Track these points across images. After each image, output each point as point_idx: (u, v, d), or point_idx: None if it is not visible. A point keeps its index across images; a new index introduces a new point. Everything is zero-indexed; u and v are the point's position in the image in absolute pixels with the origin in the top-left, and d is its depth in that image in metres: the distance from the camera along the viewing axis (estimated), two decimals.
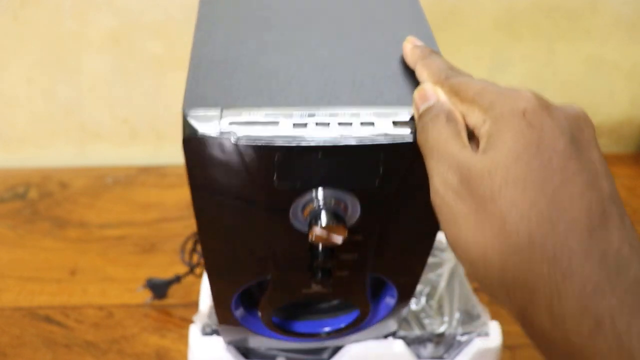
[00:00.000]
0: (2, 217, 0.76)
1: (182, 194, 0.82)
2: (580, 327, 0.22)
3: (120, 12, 0.86)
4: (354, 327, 0.44)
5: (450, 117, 0.26)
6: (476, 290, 0.54)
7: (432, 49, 0.31)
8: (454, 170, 0.25)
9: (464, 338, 0.48)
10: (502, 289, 0.24)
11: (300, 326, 0.44)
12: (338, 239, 0.30)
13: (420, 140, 0.27)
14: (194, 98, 0.28)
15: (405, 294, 0.41)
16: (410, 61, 0.31)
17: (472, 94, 0.26)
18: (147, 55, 0.88)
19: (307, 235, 0.30)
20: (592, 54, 0.93)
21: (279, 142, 0.27)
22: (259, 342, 0.46)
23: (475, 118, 0.26)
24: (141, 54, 0.88)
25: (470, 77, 0.28)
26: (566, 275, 0.22)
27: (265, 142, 0.27)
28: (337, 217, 0.29)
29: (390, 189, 0.30)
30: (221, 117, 0.27)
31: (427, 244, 0.36)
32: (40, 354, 0.53)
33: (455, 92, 0.27)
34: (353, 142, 0.27)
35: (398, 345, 0.47)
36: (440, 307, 0.50)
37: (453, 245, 0.26)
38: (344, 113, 0.28)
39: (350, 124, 0.27)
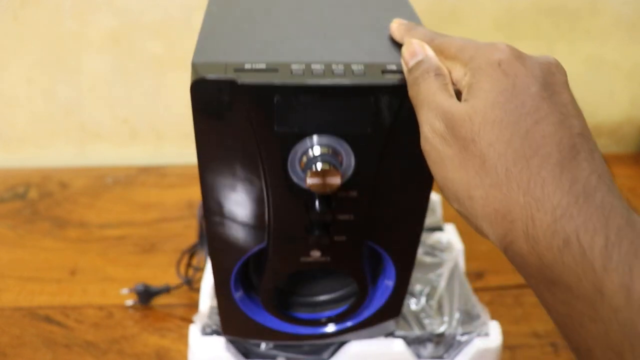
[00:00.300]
0: (2, 217, 0.76)
1: (182, 194, 0.82)
2: (551, 246, 0.24)
3: (120, 12, 0.86)
4: (354, 312, 0.43)
5: (438, 72, 0.30)
6: (476, 290, 0.54)
7: (416, 23, 0.35)
8: (440, 117, 0.28)
9: (463, 338, 0.48)
10: (485, 221, 0.27)
11: (300, 314, 0.45)
12: (333, 180, 0.31)
13: (412, 93, 0.30)
14: (203, 52, 0.31)
15: (403, 274, 0.42)
16: (397, 36, 0.34)
17: (454, 50, 0.30)
18: (147, 55, 0.88)
19: (304, 192, 0.33)
20: (592, 54, 0.93)
21: (279, 83, 0.30)
22: (259, 334, 0.46)
23: (458, 72, 0.29)
24: (141, 54, 0.88)
25: (452, 36, 0.31)
26: (539, 203, 0.25)
27: (266, 82, 0.29)
28: (331, 163, 0.31)
29: (381, 136, 0.32)
30: (226, 66, 0.30)
31: (419, 208, 0.38)
32: (40, 354, 0.53)
33: (440, 51, 0.30)
34: (346, 83, 0.30)
35: (398, 345, 0.47)
36: (440, 307, 0.50)
37: (442, 185, 0.29)
38: (338, 63, 0.31)
39: (343, 72, 0.30)
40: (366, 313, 0.45)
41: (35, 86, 0.89)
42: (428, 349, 0.48)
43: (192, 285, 0.61)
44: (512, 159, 0.26)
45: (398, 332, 0.48)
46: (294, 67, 0.30)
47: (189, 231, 0.72)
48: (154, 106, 0.91)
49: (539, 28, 0.90)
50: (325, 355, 0.48)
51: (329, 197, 0.34)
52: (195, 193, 0.81)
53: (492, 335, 0.48)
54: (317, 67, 0.30)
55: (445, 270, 0.54)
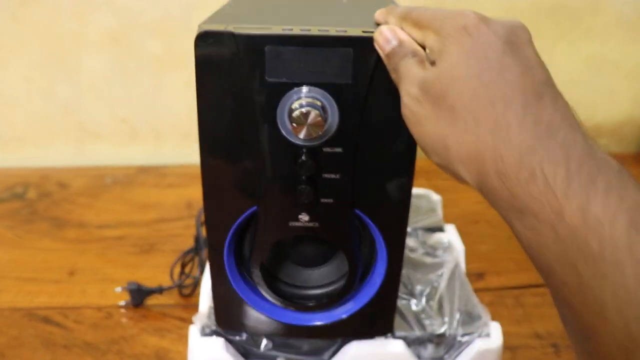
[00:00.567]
0: (1, 218, 0.76)
1: (182, 194, 0.82)
2: (519, 179, 0.27)
3: (120, 12, 0.85)
4: (345, 294, 0.43)
5: (415, 53, 0.33)
6: (477, 291, 0.53)
7: (394, 5, 0.37)
8: (415, 84, 0.32)
9: (464, 339, 0.48)
10: (460, 165, 0.30)
11: (288, 291, 0.45)
12: (315, 121, 0.35)
13: (393, 76, 0.34)
14: (208, 21, 0.36)
15: (394, 254, 0.42)
16: (381, 20, 0.37)
17: (426, 20, 0.33)
18: (146, 55, 0.88)
19: (292, 146, 0.37)
20: (593, 54, 0.93)
21: (270, 33, 0.34)
22: (252, 325, 0.46)
23: (431, 40, 0.32)
24: (141, 53, 0.88)
25: (427, 7, 0.34)
26: (506, 141, 0.28)
27: (259, 33, 0.34)
28: (315, 108, 0.35)
29: (362, 87, 0.35)
30: (227, 25, 0.35)
31: (404, 173, 0.39)
32: (38, 354, 0.53)
33: (415, 23, 0.34)
34: (329, 34, 0.34)
35: (398, 346, 0.47)
36: (440, 308, 0.50)
37: (421, 143, 0.33)
38: (324, 26, 0.35)
39: (327, 30, 0.35)
40: (358, 303, 0.45)
41: (34, 86, 0.89)
42: (428, 350, 0.48)
43: (181, 291, 0.61)
44: (478, 106, 0.29)
45: (398, 333, 0.48)
46: (286, 26, 0.35)
47: (188, 232, 0.72)
48: (154, 106, 0.91)
49: (540, 28, 0.90)
50: (325, 356, 0.48)
51: (315, 150, 0.37)
52: (194, 193, 0.81)
53: (493, 336, 0.48)
54: (306, 27, 0.35)
55: (445, 271, 0.54)
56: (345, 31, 0.35)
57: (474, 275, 0.65)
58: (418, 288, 0.52)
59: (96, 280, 0.63)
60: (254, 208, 0.40)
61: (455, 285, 0.53)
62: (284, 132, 0.37)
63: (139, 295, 0.59)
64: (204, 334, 0.48)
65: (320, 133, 0.36)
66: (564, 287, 0.27)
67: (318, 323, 0.45)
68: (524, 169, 0.27)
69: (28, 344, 0.54)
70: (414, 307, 0.50)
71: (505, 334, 0.49)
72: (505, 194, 0.28)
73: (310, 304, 0.44)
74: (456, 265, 0.56)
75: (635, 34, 0.92)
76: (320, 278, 0.45)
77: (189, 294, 0.61)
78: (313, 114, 0.35)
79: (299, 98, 0.36)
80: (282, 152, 0.37)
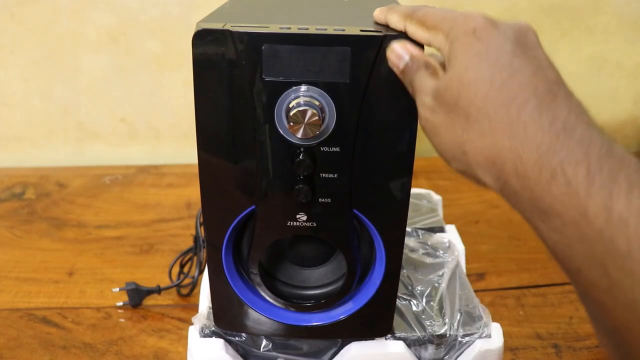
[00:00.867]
0: (0, 218, 0.75)
1: (181, 194, 0.82)
2: (540, 180, 0.27)
3: (119, 10, 0.85)
4: (346, 292, 0.43)
5: (427, 65, 0.33)
6: (477, 292, 0.53)
7: (395, 4, 0.37)
8: (429, 95, 0.32)
9: (465, 339, 0.48)
10: (480, 169, 0.30)
11: (286, 290, 0.45)
12: (313, 120, 0.35)
13: (410, 91, 0.34)
14: (205, 21, 0.36)
15: (393, 255, 0.42)
16: (381, 18, 0.36)
17: (434, 21, 0.33)
18: (145, 54, 0.88)
19: (290, 146, 0.37)
20: (595, 53, 0.93)
21: (267, 31, 0.34)
22: (250, 324, 0.46)
23: (440, 41, 0.32)
24: (140, 53, 0.87)
25: (433, 7, 0.34)
26: (523, 142, 0.28)
27: (256, 31, 0.34)
28: (312, 107, 0.35)
29: (360, 87, 0.35)
30: (225, 24, 0.35)
31: (402, 173, 0.39)
32: (37, 355, 0.53)
33: (421, 22, 0.33)
34: (326, 32, 0.34)
35: (398, 347, 0.47)
36: (441, 309, 0.50)
37: (440, 151, 0.33)
38: (322, 25, 0.35)
39: (325, 28, 0.35)
40: (358, 303, 0.44)
41: (32, 85, 0.88)
42: (429, 351, 0.48)
43: (180, 291, 0.61)
44: (492, 109, 0.29)
45: (398, 334, 0.47)
46: (283, 25, 0.35)
47: (187, 232, 0.72)
48: (153, 105, 0.91)
49: (541, 27, 0.90)
50: (325, 357, 0.48)
51: (313, 150, 0.37)
52: (194, 193, 0.81)
53: (494, 336, 0.48)
54: (302, 25, 0.35)
55: (446, 271, 0.54)
56: (343, 30, 0.35)
57: (475, 276, 0.65)
58: (418, 288, 0.52)
59: (95, 281, 0.63)
60: (252, 207, 0.40)
61: (455, 286, 0.53)
62: (281, 131, 0.37)
63: (137, 295, 0.59)
64: (203, 334, 0.47)
65: (317, 132, 0.36)
66: (593, 287, 0.27)
67: (317, 323, 0.45)
68: (544, 169, 0.27)
69: (26, 344, 0.54)
70: (414, 308, 0.50)
71: (506, 334, 0.49)
72: (527, 196, 0.28)
73: (309, 304, 0.44)
74: (457, 266, 0.55)
75: (636, 34, 0.92)
76: (318, 278, 0.45)
77: (187, 294, 0.61)
78: (310, 112, 0.35)
79: (297, 97, 0.35)
80: (280, 151, 0.37)
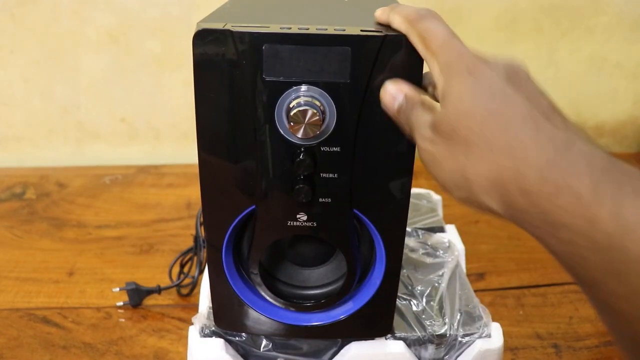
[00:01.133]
0: (0, 218, 0.75)
1: (181, 194, 0.82)
2: (545, 195, 0.27)
3: (119, 10, 0.85)
4: (346, 292, 0.43)
5: (422, 102, 0.34)
6: (477, 292, 0.53)
7: (397, 3, 0.37)
8: (427, 128, 0.33)
9: (465, 339, 0.48)
10: (484, 194, 0.30)
11: (287, 291, 0.45)
12: (313, 120, 0.35)
13: (406, 130, 0.35)
14: (206, 20, 0.36)
15: (393, 255, 0.42)
16: (382, 19, 0.36)
17: (435, 46, 0.33)
18: (145, 54, 0.88)
19: (291, 146, 0.37)
20: (595, 53, 0.93)
21: (267, 31, 0.34)
22: (250, 324, 0.46)
23: (435, 72, 0.33)
24: (140, 53, 0.87)
25: (437, 20, 0.34)
26: (524, 160, 0.28)
27: (256, 31, 0.34)
28: (312, 107, 0.35)
29: (360, 87, 0.35)
30: (225, 23, 0.35)
31: (403, 173, 0.39)
32: (37, 355, 0.53)
33: (422, 39, 0.33)
34: (327, 32, 0.34)
35: (398, 347, 0.47)
36: (441, 309, 0.50)
37: (442, 181, 0.33)
38: (322, 25, 0.35)
39: (326, 28, 0.35)
40: (358, 303, 0.44)
41: (32, 85, 0.88)
42: (429, 351, 0.48)
43: (180, 291, 0.61)
44: (489, 133, 0.29)
45: (398, 334, 0.47)
46: (284, 25, 0.35)
47: (187, 232, 0.72)
48: (153, 105, 0.91)
49: (541, 27, 0.90)
50: (325, 357, 0.48)
51: (313, 150, 0.37)
52: (194, 193, 0.81)
53: (494, 336, 0.48)
54: (303, 24, 0.35)
55: (446, 271, 0.54)
56: (344, 30, 0.35)
57: (475, 276, 0.65)
58: (418, 288, 0.52)
59: (95, 281, 0.63)
60: (252, 207, 0.40)
61: (455, 286, 0.53)
62: (281, 131, 0.37)
63: (137, 295, 0.59)
64: (203, 334, 0.47)
65: (317, 132, 0.36)
66: (611, 296, 0.26)
67: (317, 323, 0.45)
68: (548, 183, 0.27)
69: (27, 344, 0.54)
70: (414, 308, 0.50)
71: (506, 334, 0.49)
72: (534, 212, 0.28)
73: (309, 304, 0.44)
74: (457, 266, 0.55)
75: (636, 34, 0.92)
76: (318, 278, 0.45)
77: (187, 294, 0.61)
78: (310, 112, 0.35)
79: (297, 97, 0.35)
80: (280, 151, 0.37)
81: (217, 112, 0.37)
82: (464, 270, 0.57)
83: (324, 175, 0.38)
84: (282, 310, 0.45)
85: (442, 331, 0.48)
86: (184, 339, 0.54)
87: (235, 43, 0.34)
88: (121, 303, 0.59)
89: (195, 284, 0.61)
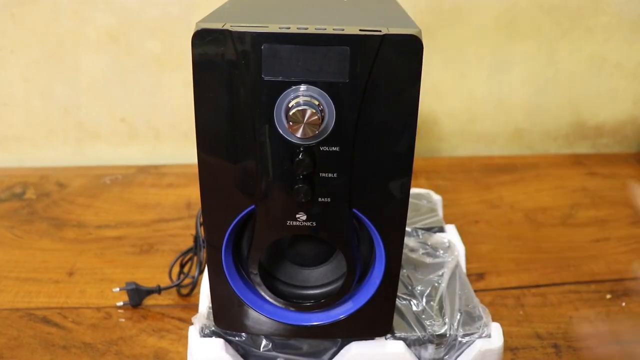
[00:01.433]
0: (0, 218, 0.75)
1: (181, 194, 0.82)
2: None
3: (119, 10, 0.85)
4: (346, 292, 0.43)
5: None
6: (477, 292, 0.53)
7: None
8: None
9: (465, 339, 0.48)
10: None
11: (286, 290, 0.45)
12: (312, 119, 0.35)
13: None
14: (205, 20, 0.36)
15: (393, 254, 0.42)
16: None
17: None
18: (145, 54, 0.88)
19: (290, 145, 0.37)
20: (595, 53, 0.93)
21: (266, 31, 0.34)
22: (250, 324, 0.46)
23: None
24: (140, 53, 0.88)
25: None
26: None
27: (255, 30, 0.34)
28: (311, 106, 0.35)
29: (359, 86, 0.35)
30: (224, 23, 0.35)
31: (402, 172, 0.39)
32: (37, 355, 0.53)
33: None
34: (326, 32, 0.34)
35: (398, 347, 0.47)
36: (441, 309, 0.50)
37: None
38: (322, 25, 0.35)
39: (325, 28, 0.35)
40: (357, 303, 0.44)
41: (32, 85, 0.89)
42: (429, 351, 0.48)
43: (180, 291, 0.61)
44: None
45: (398, 334, 0.47)
46: (282, 24, 0.35)
47: (187, 232, 0.72)
48: (153, 106, 0.91)
49: (541, 26, 0.90)
50: (325, 357, 0.48)
51: (312, 149, 0.37)
52: (194, 193, 0.81)
53: (494, 336, 0.48)
54: (302, 24, 0.35)
55: (446, 271, 0.54)
56: (343, 30, 0.35)
57: (475, 276, 0.65)
58: (418, 288, 0.52)
59: (95, 281, 0.63)
60: (252, 207, 0.40)
61: (455, 286, 0.53)
62: (281, 131, 0.37)
63: (137, 295, 0.59)
64: (203, 334, 0.47)
65: (317, 132, 0.36)
66: None
67: (317, 323, 0.45)
68: None
69: (27, 344, 0.54)
70: (414, 308, 0.50)
71: (506, 334, 0.49)
72: None
73: (309, 304, 0.44)
74: (457, 266, 0.55)
75: (636, 34, 0.92)
76: (318, 278, 0.45)
77: (187, 294, 0.61)
78: (309, 112, 0.35)
79: (296, 96, 0.35)
80: (279, 150, 0.38)
81: (217, 112, 0.37)
82: (464, 270, 0.57)
83: (323, 174, 0.38)
84: (282, 310, 0.45)
85: (442, 331, 0.48)
86: (184, 339, 0.54)
87: (234, 43, 0.35)
88: (121, 303, 0.59)
89: (195, 284, 0.61)
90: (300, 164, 0.37)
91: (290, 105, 0.35)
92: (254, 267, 0.42)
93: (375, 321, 0.46)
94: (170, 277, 0.61)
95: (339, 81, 0.35)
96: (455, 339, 0.48)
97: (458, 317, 0.49)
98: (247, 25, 0.35)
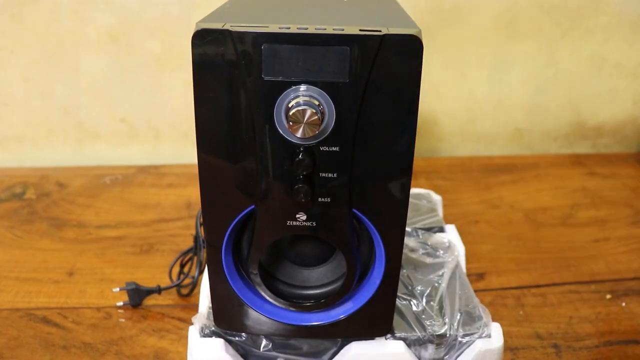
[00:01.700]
0: (0, 218, 0.75)
1: (181, 194, 0.82)
2: None
3: (119, 11, 0.85)
4: (346, 292, 0.43)
5: None
6: (477, 292, 0.53)
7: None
8: None
9: (465, 339, 0.48)
10: None
11: (286, 290, 0.45)
12: (312, 119, 0.35)
13: None
14: (205, 20, 0.36)
15: (393, 254, 0.42)
16: None
17: None
18: (145, 54, 0.88)
19: (290, 145, 0.37)
20: (595, 53, 0.93)
21: (266, 31, 0.34)
22: (250, 324, 0.46)
23: None
24: (140, 53, 0.88)
25: None
26: None
27: (255, 31, 0.34)
28: (311, 106, 0.35)
29: (359, 86, 0.35)
30: (224, 24, 0.35)
31: (402, 171, 0.39)
32: (37, 355, 0.53)
33: None
34: (326, 32, 0.34)
35: (398, 347, 0.47)
36: (441, 309, 0.50)
37: None
38: (322, 25, 0.35)
39: (325, 28, 0.35)
40: (357, 303, 0.44)
41: (32, 85, 0.89)
42: (429, 351, 0.48)
43: (180, 291, 0.61)
44: None
45: (398, 334, 0.47)
46: (282, 24, 0.35)
47: (187, 232, 0.72)
48: (153, 106, 0.91)
49: (541, 27, 0.90)
50: (325, 357, 0.48)
51: (312, 149, 0.37)
52: (194, 193, 0.81)
53: (494, 336, 0.48)
54: (302, 24, 0.35)
55: (446, 271, 0.54)
56: (343, 30, 0.35)
57: (475, 276, 0.65)
58: (418, 288, 0.52)
59: (95, 281, 0.63)
60: (252, 207, 0.40)
61: (455, 286, 0.53)
62: (280, 131, 0.37)
63: (137, 295, 0.59)
64: (203, 334, 0.47)
65: (317, 132, 0.36)
66: None
67: (317, 323, 0.45)
68: None
69: (27, 344, 0.54)
70: (414, 308, 0.50)
71: (506, 334, 0.49)
72: None
73: (309, 304, 0.44)
74: (457, 266, 0.55)
75: (636, 34, 0.92)
76: (318, 278, 0.45)
77: (187, 294, 0.61)
78: (309, 112, 0.35)
79: (296, 96, 0.35)
80: (279, 150, 0.38)
81: (217, 112, 0.37)
82: (464, 270, 0.57)
83: (323, 174, 0.38)
84: (282, 310, 0.45)
85: (442, 331, 0.48)
86: (184, 339, 0.54)
87: (234, 43, 0.35)
88: (121, 303, 0.59)
89: (195, 284, 0.61)
90: (300, 164, 0.37)
91: (290, 105, 0.35)
92: (254, 267, 0.42)
93: (375, 321, 0.46)
94: (170, 277, 0.61)
95: (339, 81, 0.35)
96: (455, 339, 0.48)
97: (458, 317, 0.49)
98: (247, 25, 0.35)
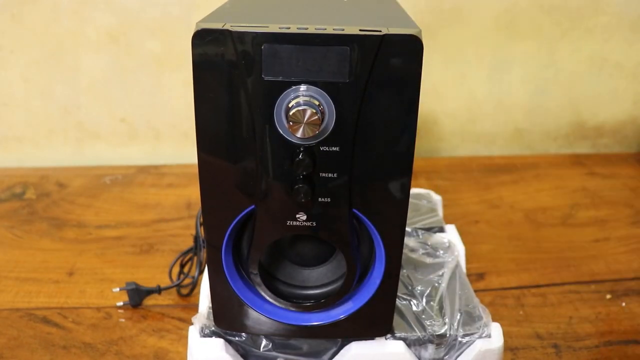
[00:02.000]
0: (0, 218, 0.75)
1: (181, 194, 0.82)
2: None
3: (119, 11, 0.85)
4: (346, 292, 0.43)
5: None
6: (477, 292, 0.53)
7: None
8: None
9: (465, 339, 0.48)
10: None
11: (286, 290, 0.45)
12: (312, 119, 0.35)
13: None
14: (205, 20, 0.36)
15: (392, 254, 0.42)
16: None
17: None
18: (145, 54, 0.88)
19: (290, 145, 0.37)
20: (595, 53, 0.93)
21: (266, 31, 0.34)
22: (250, 324, 0.46)
23: None
24: (140, 53, 0.88)
25: None
26: None
27: (255, 31, 0.34)
28: (311, 106, 0.35)
29: (359, 86, 0.35)
30: (224, 24, 0.35)
31: (402, 172, 0.39)
32: (37, 355, 0.53)
33: None
34: (326, 32, 0.34)
35: (398, 347, 0.47)
36: (441, 309, 0.50)
37: None
38: (322, 25, 0.35)
39: (325, 28, 0.35)
40: (357, 303, 0.44)
41: (32, 85, 0.89)
42: (429, 351, 0.48)
43: (180, 291, 0.61)
44: None
45: (398, 334, 0.47)
46: (282, 24, 0.35)
47: (187, 232, 0.72)
48: (153, 106, 0.91)
49: (541, 27, 0.90)
50: (325, 357, 0.48)
51: (312, 149, 0.37)
52: (194, 193, 0.81)
53: (494, 336, 0.48)
54: (302, 24, 0.35)
55: (446, 271, 0.54)
56: (343, 30, 0.35)
57: (475, 276, 0.65)
58: (418, 288, 0.52)
59: (95, 281, 0.63)
60: (252, 207, 0.40)
61: (455, 286, 0.53)
62: (281, 131, 0.37)
63: (137, 295, 0.59)
64: (203, 334, 0.47)
65: (317, 132, 0.36)
66: None
67: (317, 323, 0.45)
68: None
69: (27, 344, 0.54)
70: (414, 308, 0.50)
71: (506, 334, 0.49)
72: None
73: (309, 304, 0.44)
74: (457, 266, 0.55)
75: (636, 34, 0.92)
76: (318, 278, 0.45)
77: (187, 294, 0.61)
78: (310, 112, 0.35)
79: (296, 96, 0.36)
80: (279, 150, 0.38)
81: (217, 112, 0.37)
82: (464, 270, 0.57)
83: (323, 174, 0.38)
84: (282, 310, 0.45)
85: (442, 331, 0.48)
86: (184, 339, 0.54)
87: (234, 43, 0.35)
88: (121, 303, 0.59)
89: (195, 284, 0.61)
90: (300, 164, 0.37)
91: (290, 105, 0.35)
92: (254, 267, 0.42)
93: (375, 321, 0.46)
94: (170, 277, 0.61)
95: (339, 81, 0.35)
96: (455, 339, 0.48)
97: (458, 317, 0.49)
98: (247, 25, 0.35)
